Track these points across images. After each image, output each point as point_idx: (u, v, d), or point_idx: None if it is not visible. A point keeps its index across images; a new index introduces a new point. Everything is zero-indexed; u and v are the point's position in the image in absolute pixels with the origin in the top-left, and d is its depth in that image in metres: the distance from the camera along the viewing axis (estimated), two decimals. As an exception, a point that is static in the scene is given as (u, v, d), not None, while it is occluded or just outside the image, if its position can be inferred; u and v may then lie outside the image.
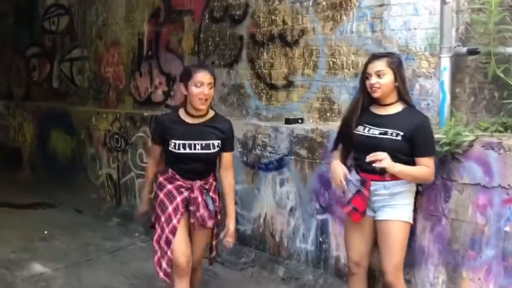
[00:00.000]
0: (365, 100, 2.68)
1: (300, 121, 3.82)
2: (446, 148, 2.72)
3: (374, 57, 2.66)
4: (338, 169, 2.71)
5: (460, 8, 2.92)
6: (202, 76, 2.69)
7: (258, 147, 4.00)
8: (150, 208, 3.10)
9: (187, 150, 2.78)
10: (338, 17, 3.60)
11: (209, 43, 4.66)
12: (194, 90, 2.69)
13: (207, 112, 2.84)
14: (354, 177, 2.74)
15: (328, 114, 3.71)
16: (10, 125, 7.93)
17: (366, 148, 2.59)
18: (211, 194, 2.92)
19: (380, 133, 2.61)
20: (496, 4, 2.58)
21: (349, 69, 3.57)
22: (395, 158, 2.53)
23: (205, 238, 3.04)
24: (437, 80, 3.08)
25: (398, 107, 2.65)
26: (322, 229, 3.61)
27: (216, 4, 4.56)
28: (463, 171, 2.78)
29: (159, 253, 2.87)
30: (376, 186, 2.67)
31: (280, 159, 3.79)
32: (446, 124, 2.88)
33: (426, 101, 3.16)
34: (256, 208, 4.07)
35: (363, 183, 2.68)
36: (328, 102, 3.70)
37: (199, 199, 2.84)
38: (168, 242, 2.82)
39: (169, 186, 2.88)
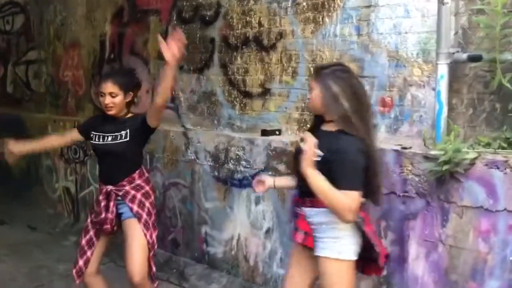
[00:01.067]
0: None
1: (277, 132, 3.46)
2: (445, 167, 2.41)
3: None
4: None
5: (459, 10, 2.62)
6: (103, 87, 2.85)
7: (231, 161, 3.63)
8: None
9: (100, 141, 2.90)
10: (320, 19, 3.26)
11: (177, 46, 4.26)
12: (100, 98, 2.90)
13: (126, 114, 2.94)
14: None
15: (308, 126, 3.35)
16: (-41, 132, 7.30)
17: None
18: (127, 202, 2.86)
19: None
20: (502, 4, 2.28)
21: (332, 76, 3.23)
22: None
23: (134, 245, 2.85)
24: (431, 89, 2.77)
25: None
26: (302, 253, 3.25)
27: (184, 3, 4.16)
28: (463, 192, 2.47)
29: (79, 250, 2.97)
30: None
31: (256, 175, 3.41)
32: (443, 139, 2.57)
33: (419, 113, 2.84)
34: (228, 228, 3.69)
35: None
36: (308, 113, 3.35)
37: (102, 204, 2.87)
38: (89, 244, 2.95)
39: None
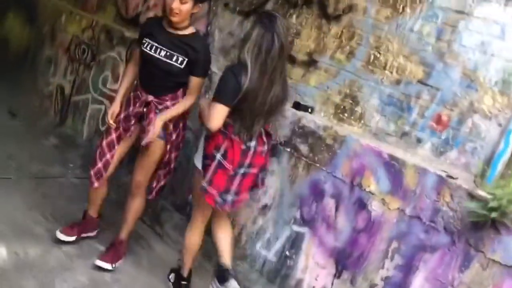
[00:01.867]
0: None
1: (310, 110, 3.15)
2: (493, 214, 2.17)
3: None
4: None
5: None
6: None
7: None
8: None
9: (152, 52, 2.81)
10: (401, 7, 2.91)
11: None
12: (167, 1, 2.73)
13: (187, 27, 2.85)
14: None
15: (346, 115, 3.06)
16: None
17: None
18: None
19: None
20: None
21: (391, 72, 2.91)
22: None
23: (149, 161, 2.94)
24: (498, 124, 2.49)
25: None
26: (294, 242, 3.01)
27: None
28: (497, 245, 2.24)
29: (98, 152, 2.95)
30: None
31: (273, 146, 3.12)
32: (496, 182, 2.32)
33: (474, 144, 2.56)
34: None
35: None
36: (351, 101, 3.05)
37: (135, 111, 2.88)
38: (110, 147, 2.94)
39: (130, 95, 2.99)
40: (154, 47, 2.81)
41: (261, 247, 3.18)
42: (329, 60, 3.19)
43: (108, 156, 2.92)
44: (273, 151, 3.10)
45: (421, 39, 2.82)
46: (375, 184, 2.69)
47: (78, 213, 3.25)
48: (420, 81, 2.79)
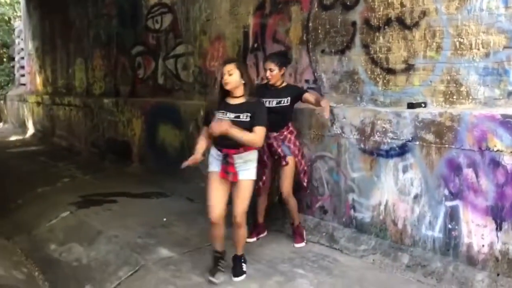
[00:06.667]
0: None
1: (423, 105, 3.72)
2: None
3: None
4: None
5: None
6: (265, 64, 4.25)
7: (377, 133, 3.95)
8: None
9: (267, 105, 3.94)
10: (465, -6, 3.45)
11: (319, 31, 4.66)
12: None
13: (282, 83, 4.28)
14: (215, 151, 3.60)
15: (455, 97, 3.57)
16: (119, 120, 8.46)
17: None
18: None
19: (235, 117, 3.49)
20: None
21: (478, 49, 3.41)
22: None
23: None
24: None
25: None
26: (452, 215, 3.50)
27: (325, -9, 4.55)
28: None
29: None
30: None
31: (403, 145, 3.72)
32: None
33: None
34: (376, 195, 4.03)
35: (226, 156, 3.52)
36: (454, 84, 3.57)
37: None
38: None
39: None
40: (267, 101, 4.13)
41: (426, 229, 3.68)
42: (423, 60, 3.78)
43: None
44: (405, 149, 3.69)
45: (492, 13, 3.31)
46: (500, 142, 3.14)
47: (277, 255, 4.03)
48: (506, 46, 3.25)
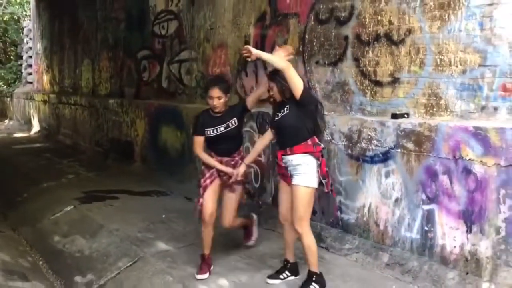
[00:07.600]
0: None
1: (406, 115, 4.02)
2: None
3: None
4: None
5: None
6: (212, 92, 3.86)
7: (364, 140, 4.25)
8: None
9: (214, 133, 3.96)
10: (446, 16, 3.75)
11: (314, 44, 4.97)
12: (208, 101, 3.92)
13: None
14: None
15: (435, 109, 3.87)
16: (123, 121, 8.78)
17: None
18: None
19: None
20: None
21: (456, 66, 3.71)
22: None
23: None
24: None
25: None
26: (428, 218, 3.79)
27: (321, 7, 4.86)
28: None
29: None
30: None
31: (386, 152, 4.02)
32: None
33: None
34: (360, 198, 4.32)
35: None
36: (435, 98, 3.87)
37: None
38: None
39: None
40: (213, 130, 4.01)
41: (405, 230, 3.97)
42: (407, 74, 4.08)
43: None
44: (388, 155, 3.99)
45: (469, 34, 3.63)
46: (471, 151, 3.44)
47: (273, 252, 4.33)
48: (480, 65, 3.56)
